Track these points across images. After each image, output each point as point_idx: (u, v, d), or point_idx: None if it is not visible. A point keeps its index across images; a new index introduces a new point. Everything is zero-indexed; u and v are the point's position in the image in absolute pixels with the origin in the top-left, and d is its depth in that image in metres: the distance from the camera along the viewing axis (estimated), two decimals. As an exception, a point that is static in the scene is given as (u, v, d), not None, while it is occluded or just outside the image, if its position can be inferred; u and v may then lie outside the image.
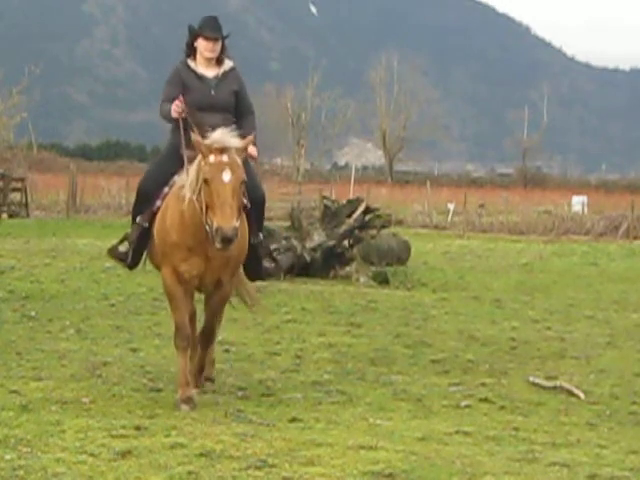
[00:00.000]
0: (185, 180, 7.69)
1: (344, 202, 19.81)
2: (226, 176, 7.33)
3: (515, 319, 13.19)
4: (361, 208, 18.92)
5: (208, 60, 8.23)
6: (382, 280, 17.65)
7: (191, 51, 8.29)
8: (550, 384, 8.99)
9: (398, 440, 6.82)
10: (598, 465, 6.43)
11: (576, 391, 8.71)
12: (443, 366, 9.81)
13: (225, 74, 8.27)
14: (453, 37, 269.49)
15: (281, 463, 6.12)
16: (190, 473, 5.87)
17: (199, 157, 7.53)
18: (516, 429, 7.38)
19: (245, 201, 7.95)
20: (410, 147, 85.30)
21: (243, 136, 7.66)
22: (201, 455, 6.25)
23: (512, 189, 56.75)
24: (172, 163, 8.03)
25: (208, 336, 8.26)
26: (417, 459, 6.33)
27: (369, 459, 6.27)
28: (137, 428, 6.86)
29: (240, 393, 8.32)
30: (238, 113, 8.27)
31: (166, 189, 8.02)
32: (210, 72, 8.24)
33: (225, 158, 7.38)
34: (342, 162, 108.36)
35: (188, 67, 8.24)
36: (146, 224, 8.12)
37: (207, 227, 7.43)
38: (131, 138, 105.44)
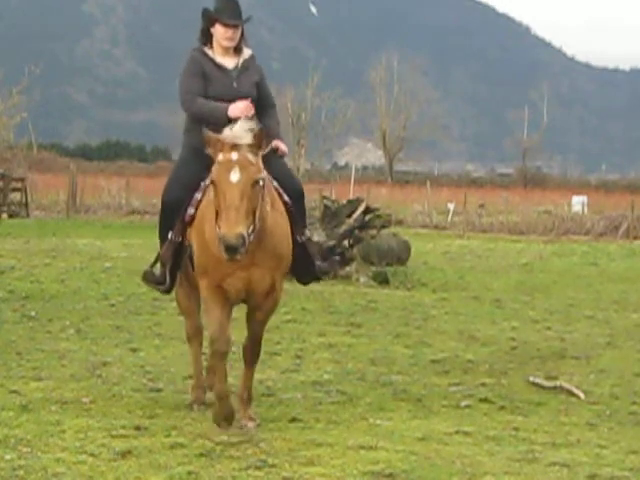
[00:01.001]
0: None
1: (344, 202, 19.77)
2: (234, 176, 6.54)
3: (515, 319, 13.18)
4: (361, 208, 18.90)
5: (226, 49, 7.43)
6: (382, 280, 17.64)
7: (206, 38, 7.45)
8: (550, 384, 8.98)
9: (398, 440, 6.81)
10: (598, 465, 6.42)
11: (576, 391, 8.71)
12: (443, 366, 9.80)
13: (245, 64, 7.50)
14: (453, 37, 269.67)
15: (281, 463, 6.12)
16: (190, 473, 5.87)
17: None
18: (516, 429, 7.37)
19: (286, 197, 7.30)
20: (410, 147, 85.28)
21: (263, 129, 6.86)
22: (201, 455, 6.25)
23: (512, 189, 56.69)
24: (196, 167, 7.22)
25: (257, 350, 7.32)
26: (417, 459, 6.33)
27: (369, 459, 6.27)
28: (137, 428, 6.86)
29: (240, 393, 8.30)
30: (259, 106, 7.48)
31: (198, 195, 7.17)
32: (229, 62, 7.46)
33: (234, 156, 6.59)
34: (342, 162, 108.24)
35: (206, 55, 7.42)
36: (179, 238, 7.28)
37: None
38: (131, 138, 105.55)
